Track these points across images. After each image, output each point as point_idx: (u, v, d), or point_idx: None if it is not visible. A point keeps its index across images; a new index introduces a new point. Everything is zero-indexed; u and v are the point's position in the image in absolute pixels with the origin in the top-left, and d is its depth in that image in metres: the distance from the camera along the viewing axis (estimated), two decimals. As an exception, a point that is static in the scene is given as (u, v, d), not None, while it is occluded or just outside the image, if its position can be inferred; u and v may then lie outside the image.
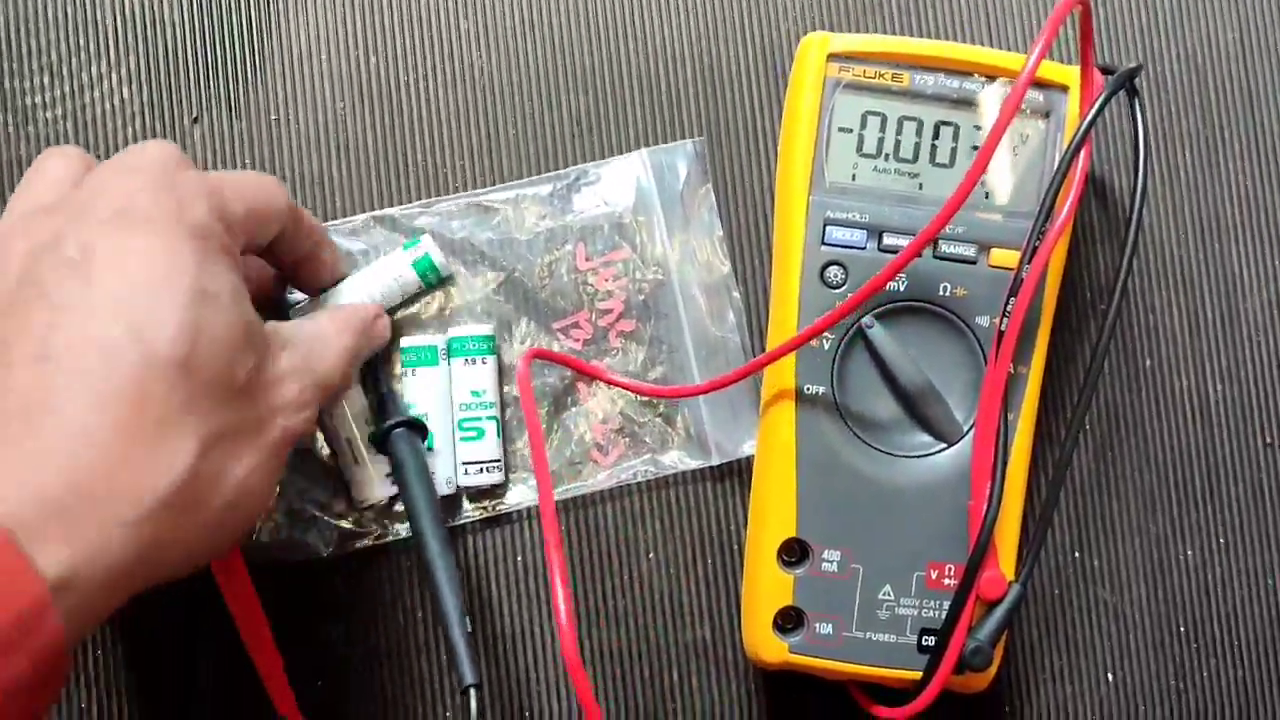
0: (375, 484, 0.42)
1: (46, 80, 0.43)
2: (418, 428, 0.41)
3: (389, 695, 0.42)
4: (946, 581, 0.41)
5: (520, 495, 0.43)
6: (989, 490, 0.39)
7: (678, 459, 0.43)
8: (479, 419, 0.42)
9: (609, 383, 0.43)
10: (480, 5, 0.44)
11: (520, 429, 0.43)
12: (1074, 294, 0.45)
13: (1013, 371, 0.40)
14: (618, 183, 0.44)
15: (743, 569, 0.43)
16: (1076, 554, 0.45)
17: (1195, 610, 0.45)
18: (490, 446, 0.42)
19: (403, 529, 0.42)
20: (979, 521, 0.39)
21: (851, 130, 0.41)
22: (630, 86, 0.45)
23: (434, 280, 0.42)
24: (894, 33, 0.45)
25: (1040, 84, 0.41)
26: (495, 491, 0.43)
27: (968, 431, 0.41)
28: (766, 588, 0.40)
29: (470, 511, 0.43)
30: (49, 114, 0.43)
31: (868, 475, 0.40)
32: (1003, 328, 0.39)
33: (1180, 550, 0.45)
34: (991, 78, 0.41)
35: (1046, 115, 0.41)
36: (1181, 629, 0.45)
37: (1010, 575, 0.41)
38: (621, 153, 0.44)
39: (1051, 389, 0.44)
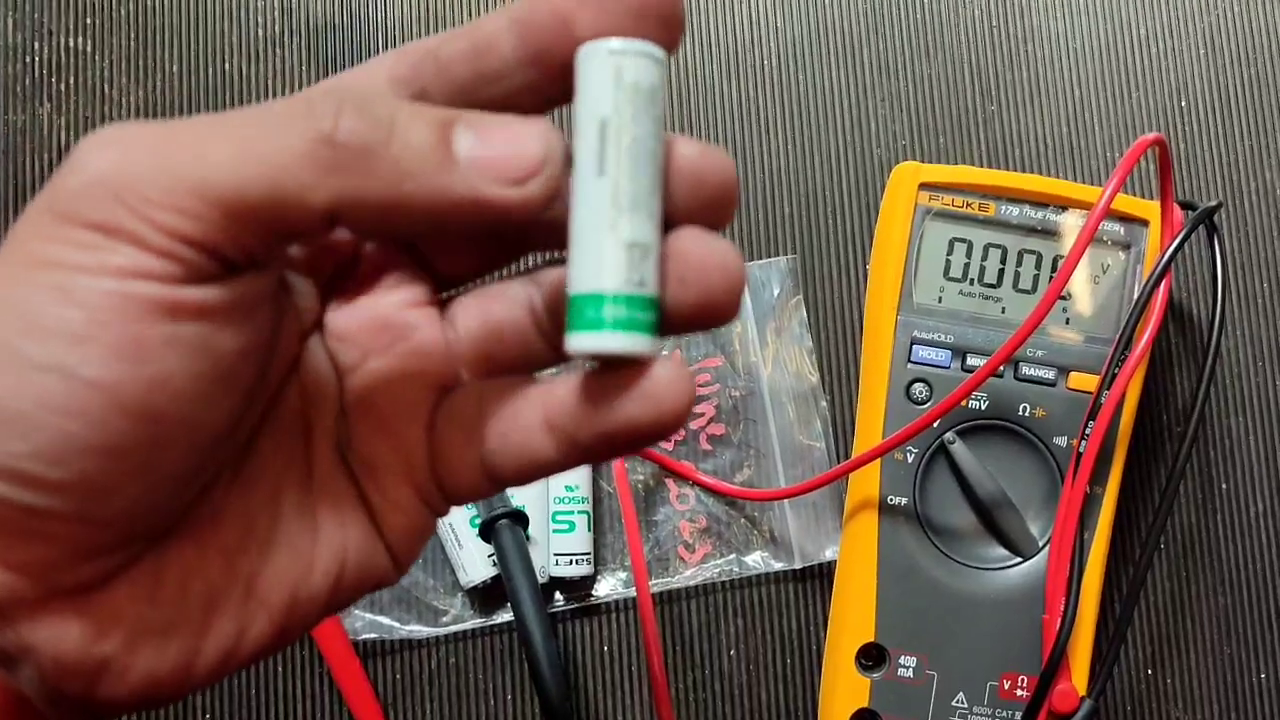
0: (479, 565, 0.44)
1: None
2: (520, 518, 0.44)
3: (477, 773, 0.44)
4: (1020, 692, 0.42)
5: (610, 586, 0.45)
6: (1063, 605, 0.41)
7: (761, 560, 0.45)
8: (571, 512, 0.45)
9: (697, 482, 0.45)
10: (592, 125, 0.48)
11: (611, 522, 0.45)
12: (1151, 416, 0.47)
13: (1089, 491, 0.42)
14: (714, 294, 0.47)
15: (821, 670, 0.44)
16: (1150, 672, 0.46)
17: (1269, 734, 0.46)
18: (581, 539, 0.45)
19: (504, 615, 0.45)
20: (1052, 634, 0.41)
21: (939, 255, 0.43)
22: (729, 204, 0.48)
23: None
24: (982, 165, 0.48)
25: (1122, 217, 0.43)
26: (585, 582, 0.45)
27: (1043, 546, 0.42)
28: (844, 690, 0.42)
29: (561, 601, 0.45)
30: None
31: (946, 585, 0.42)
32: (1081, 449, 0.41)
33: (1255, 673, 0.46)
34: (1073, 209, 0.43)
35: (1127, 247, 0.43)
36: (1255, 752, 0.45)
37: (1083, 690, 0.42)
38: (718, 266, 0.47)
39: (1128, 508, 0.46)
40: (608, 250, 0.22)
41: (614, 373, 0.23)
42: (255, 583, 0.24)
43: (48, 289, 0.20)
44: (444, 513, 0.26)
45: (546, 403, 0.24)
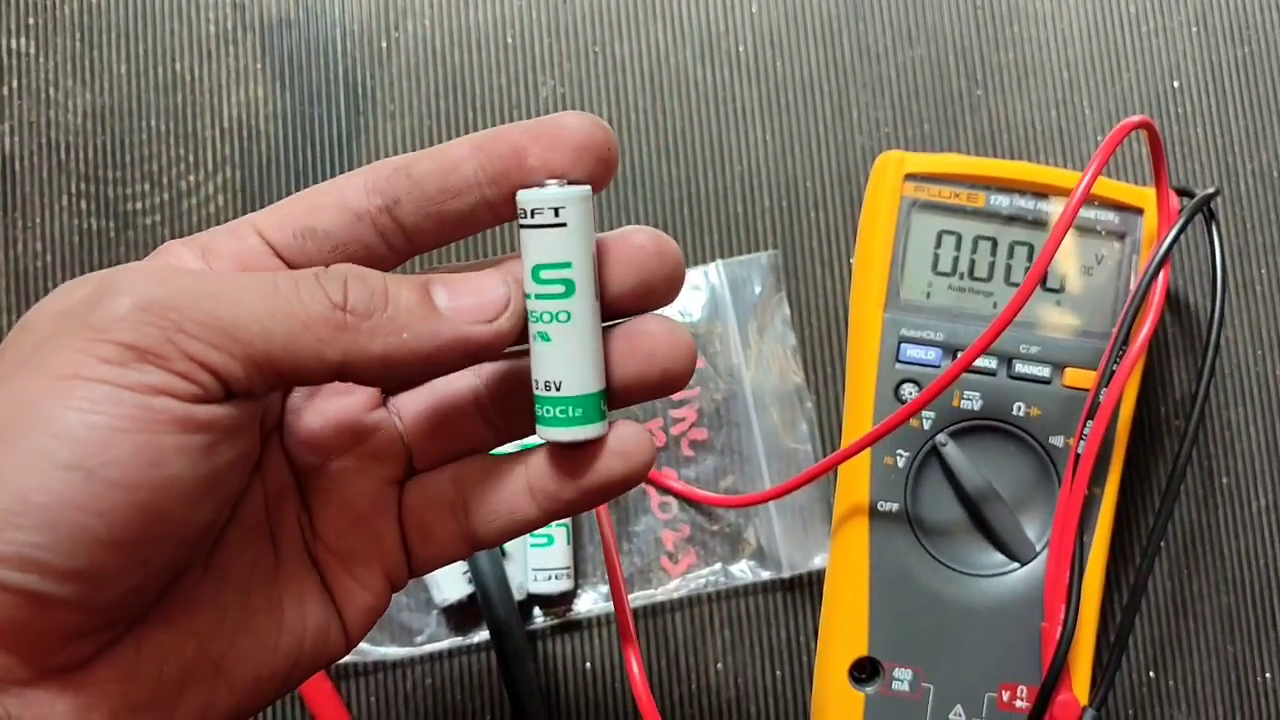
0: (453, 583, 0.42)
1: (147, 188, 0.45)
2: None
3: (457, 799, 0.43)
4: (1018, 704, 0.40)
5: (590, 602, 0.43)
6: (1064, 612, 0.39)
7: (748, 569, 0.44)
8: (549, 526, 0.43)
9: (669, 490, 0.44)
10: (562, 119, 0.46)
11: (591, 535, 0.44)
12: (1149, 411, 0.45)
13: (1088, 492, 0.40)
14: (693, 293, 0.45)
15: (811, 682, 0.43)
16: (1151, 674, 0.44)
17: (1275, 734, 0.44)
18: (560, 553, 0.43)
19: (480, 633, 0.43)
20: (1052, 643, 0.39)
21: (927, 249, 0.41)
22: (707, 199, 0.46)
23: None
24: (969, 153, 0.46)
25: (1116, 205, 0.42)
26: (565, 598, 0.43)
27: (1041, 550, 0.41)
28: (837, 705, 0.40)
29: (541, 617, 0.43)
30: (149, 219, 0.45)
31: (940, 593, 0.40)
32: (1079, 450, 0.39)
33: (1259, 672, 0.44)
34: (1066, 198, 0.41)
35: (1122, 236, 0.41)
36: (1260, 753, 0.44)
37: (1084, 699, 0.40)
38: (697, 264, 0.45)
39: (1125, 506, 0.44)
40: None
41: (579, 448, 0.27)
42: (223, 664, 0.26)
43: (78, 398, 0.23)
44: (404, 586, 0.30)
45: (529, 471, 0.28)
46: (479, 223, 0.27)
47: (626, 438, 0.27)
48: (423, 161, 0.27)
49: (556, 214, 0.26)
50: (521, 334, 0.27)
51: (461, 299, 0.26)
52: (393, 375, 0.26)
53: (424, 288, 0.26)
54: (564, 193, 0.26)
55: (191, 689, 0.26)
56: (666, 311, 0.28)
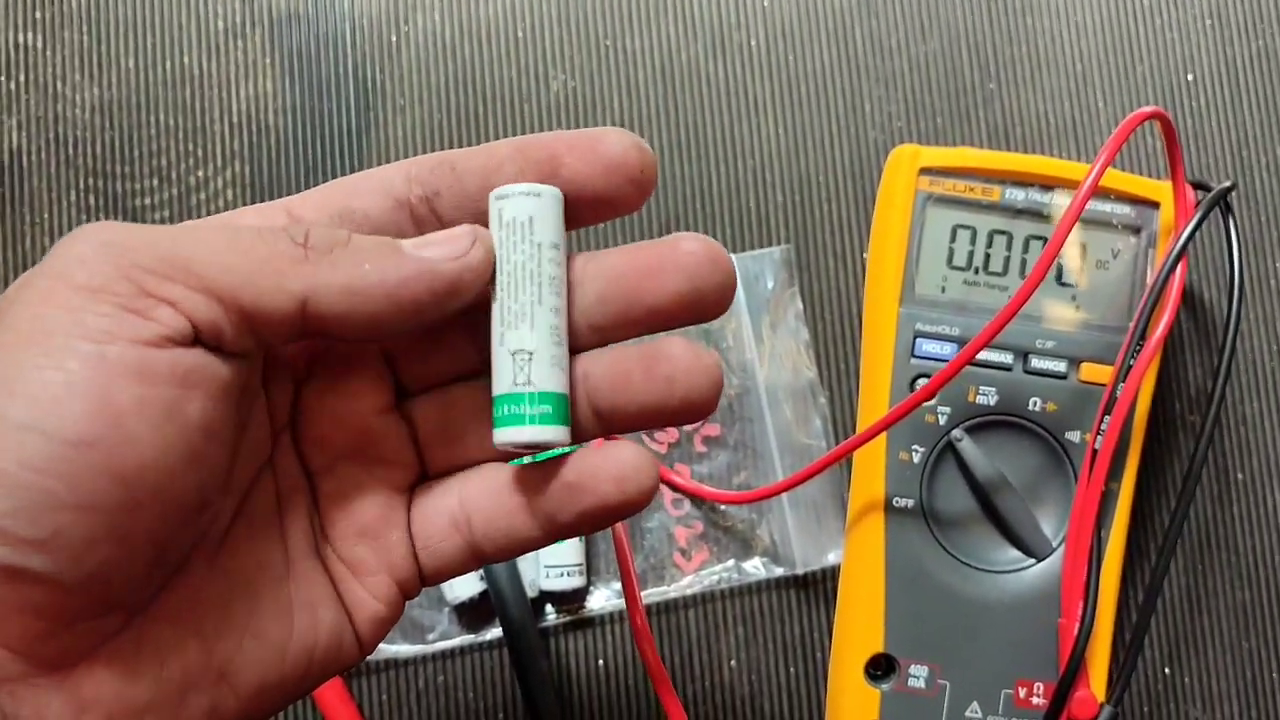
0: (465, 581, 0.42)
1: (156, 183, 0.45)
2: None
3: (469, 797, 0.42)
4: (1035, 700, 0.40)
5: (603, 599, 0.43)
6: (1081, 608, 0.39)
7: (761, 566, 0.43)
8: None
9: (679, 489, 0.43)
10: (573, 112, 0.46)
11: (604, 532, 0.43)
12: (1164, 405, 0.45)
13: (1105, 488, 0.40)
14: (705, 288, 0.44)
15: (825, 680, 0.42)
16: (1167, 670, 0.44)
17: (1290, 730, 0.44)
18: (573, 550, 0.42)
19: (492, 631, 0.43)
20: (1070, 639, 0.39)
21: (942, 243, 0.41)
22: (719, 193, 0.45)
23: None
24: (983, 147, 0.46)
25: (1131, 199, 0.41)
26: (577, 595, 0.43)
27: (1057, 546, 0.40)
28: (852, 702, 0.40)
29: (553, 615, 0.43)
30: (158, 215, 0.45)
31: (956, 590, 0.40)
32: (1096, 446, 0.39)
33: (1274, 668, 0.44)
34: (1082, 193, 0.41)
35: (1138, 230, 0.41)
36: (1275, 749, 0.44)
37: (1101, 695, 0.40)
38: (709, 259, 0.45)
39: (1141, 502, 0.44)
40: (499, 359, 0.26)
41: (554, 461, 0.27)
42: (229, 668, 0.25)
43: (34, 354, 0.22)
44: (416, 595, 0.29)
45: (528, 490, 0.27)
46: None
47: (629, 463, 0.26)
48: (469, 158, 0.27)
49: (499, 214, 0.26)
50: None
51: (428, 242, 0.26)
52: (361, 314, 0.25)
53: (388, 238, 0.26)
54: (529, 188, 0.26)
55: (194, 693, 0.25)
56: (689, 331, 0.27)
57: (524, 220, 0.26)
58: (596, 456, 0.27)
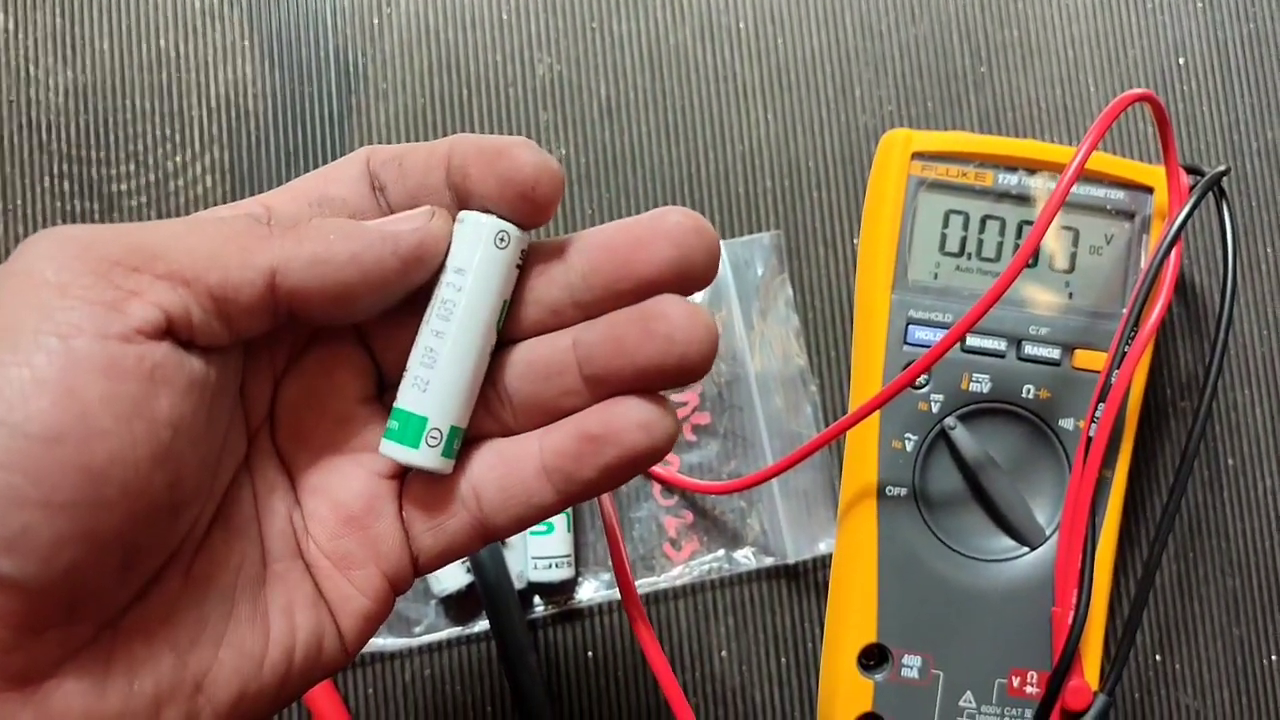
0: (452, 573, 0.41)
1: (132, 169, 0.44)
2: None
3: (457, 792, 0.42)
4: (1029, 689, 0.40)
5: (592, 590, 0.43)
6: (1076, 596, 0.38)
7: (752, 556, 0.43)
8: (552, 511, 0.42)
9: (665, 481, 0.43)
10: (560, 97, 0.45)
11: (592, 521, 0.43)
12: (1155, 391, 0.44)
13: (1099, 475, 0.39)
14: (694, 275, 0.44)
15: (818, 670, 0.42)
16: (1158, 657, 0.44)
17: (1279, 716, 0.44)
18: (561, 541, 0.42)
19: (480, 623, 0.42)
20: (1064, 628, 0.38)
21: (934, 229, 0.41)
22: (708, 179, 0.45)
23: None
24: (975, 130, 0.45)
25: (1124, 184, 0.41)
26: (566, 586, 0.43)
27: (1051, 535, 0.40)
28: (846, 693, 0.40)
29: (542, 606, 0.42)
30: (134, 201, 0.44)
31: (949, 579, 0.40)
32: (1091, 433, 0.38)
33: (1264, 655, 0.44)
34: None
35: (1131, 216, 0.41)
36: (1265, 735, 0.44)
37: (1094, 683, 0.40)
38: (698, 245, 0.44)
39: (1132, 490, 0.43)
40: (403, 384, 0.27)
41: (576, 417, 0.27)
42: (204, 680, 0.25)
43: (2, 349, 0.22)
44: (408, 588, 0.28)
45: (543, 452, 0.27)
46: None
47: (648, 409, 0.26)
48: (413, 155, 0.27)
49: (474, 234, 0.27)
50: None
51: (389, 220, 0.26)
52: (330, 286, 0.25)
53: (349, 219, 0.26)
54: (462, 213, 0.27)
55: (168, 707, 0.24)
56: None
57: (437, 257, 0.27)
58: (617, 406, 0.26)
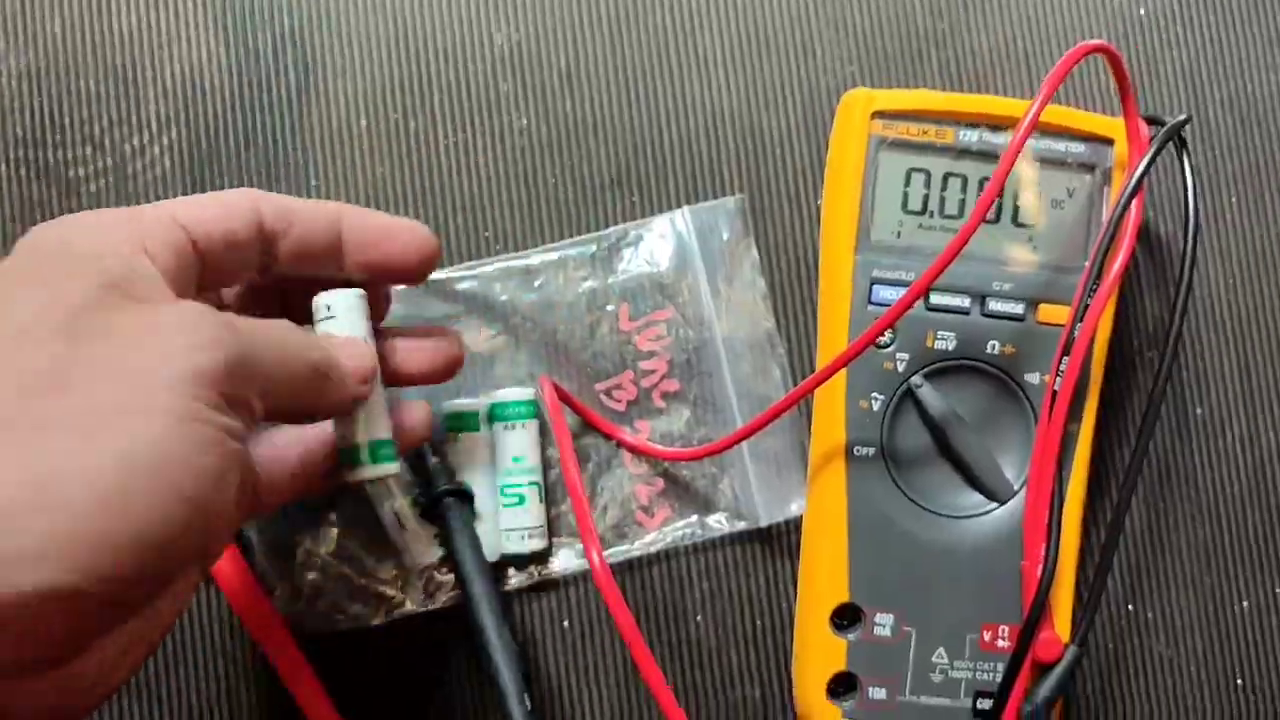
0: (427, 547, 0.41)
1: (89, 152, 0.43)
2: (465, 496, 0.41)
3: (438, 763, 0.42)
4: (1000, 643, 0.40)
5: (565, 561, 0.43)
6: (1044, 551, 0.39)
7: (724, 520, 0.43)
8: (520, 484, 0.42)
9: (635, 449, 0.43)
10: (519, 66, 0.44)
11: (564, 492, 0.43)
12: (1120, 342, 0.44)
13: (1065, 429, 0.40)
14: (660, 242, 0.44)
15: (792, 631, 0.42)
16: (1130, 607, 0.44)
17: (1252, 662, 0.44)
18: (533, 513, 0.42)
19: (452, 596, 0.42)
20: (1033, 582, 0.39)
21: (896, 188, 0.40)
22: (670, 144, 0.45)
23: None
24: (937, 87, 0.45)
25: (1084, 136, 0.41)
26: (539, 557, 0.43)
27: (1019, 490, 0.40)
28: (819, 653, 0.40)
29: (515, 578, 0.43)
30: (93, 186, 0.43)
31: (919, 537, 0.40)
32: (1055, 387, 0.39)
33: (1235, 601, 0.44)
34: (1036, 131, 0.41)
35: (1092, 168, 0.41)
36: (1239, 681, 0.44)
37: (1065, 635, 0.40)
38: (663, 211, 0.44)
39: (1100, 441, 0.44)
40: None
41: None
42: None
43: (177, 439, 0.27)
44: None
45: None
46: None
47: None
48: (305, 213, 0.35)
49: (328, 309, 0.35)
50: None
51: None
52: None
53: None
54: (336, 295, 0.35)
55: None
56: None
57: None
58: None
